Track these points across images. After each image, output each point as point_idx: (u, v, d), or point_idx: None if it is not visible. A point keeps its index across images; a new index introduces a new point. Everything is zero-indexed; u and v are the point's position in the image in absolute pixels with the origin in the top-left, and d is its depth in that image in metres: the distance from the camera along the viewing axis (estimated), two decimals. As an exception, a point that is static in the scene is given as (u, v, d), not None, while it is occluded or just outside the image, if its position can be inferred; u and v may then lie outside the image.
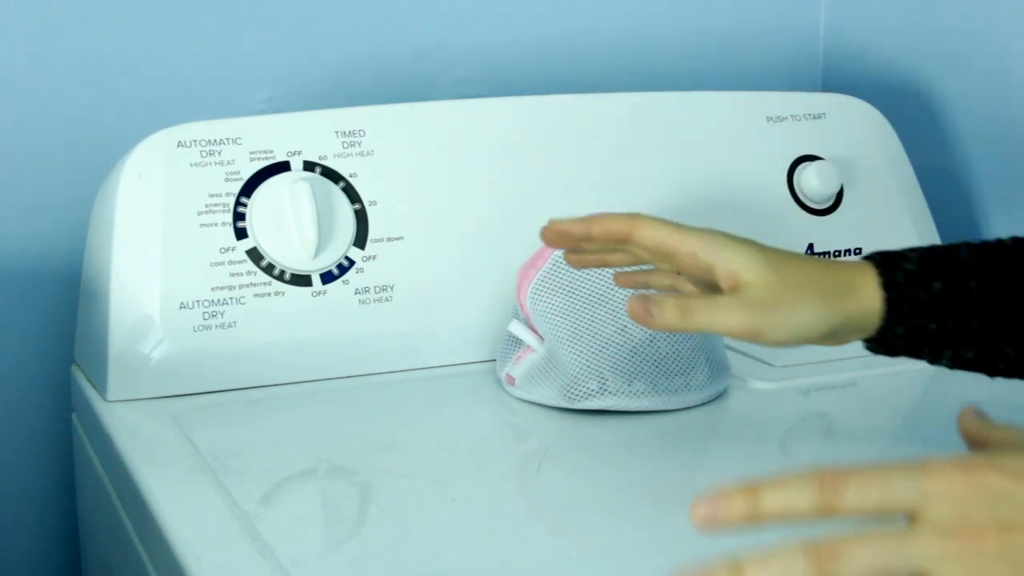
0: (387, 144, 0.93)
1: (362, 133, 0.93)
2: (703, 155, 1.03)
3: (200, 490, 0.70)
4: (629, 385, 0.80)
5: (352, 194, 0.91)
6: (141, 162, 0.88)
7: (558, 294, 0.83)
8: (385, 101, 0.98)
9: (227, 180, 0.89)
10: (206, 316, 0.86)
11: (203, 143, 0.89)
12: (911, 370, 0.90)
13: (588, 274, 0.83)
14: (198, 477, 0.71)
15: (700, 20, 1.25)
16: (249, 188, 0.89)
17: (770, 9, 1.28)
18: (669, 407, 0.81)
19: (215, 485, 0.70)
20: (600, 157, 0.99)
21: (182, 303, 0.86)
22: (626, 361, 0.81)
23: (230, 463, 0.73)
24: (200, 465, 0.73)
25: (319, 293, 0.89)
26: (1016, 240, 0.67)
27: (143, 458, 0.75)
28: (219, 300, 0.87)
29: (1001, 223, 1.11)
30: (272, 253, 0.88)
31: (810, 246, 1.04)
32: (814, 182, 1.03)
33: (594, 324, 0.82)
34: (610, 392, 0.80)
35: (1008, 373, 0.67)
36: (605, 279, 0.83)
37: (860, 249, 1.05)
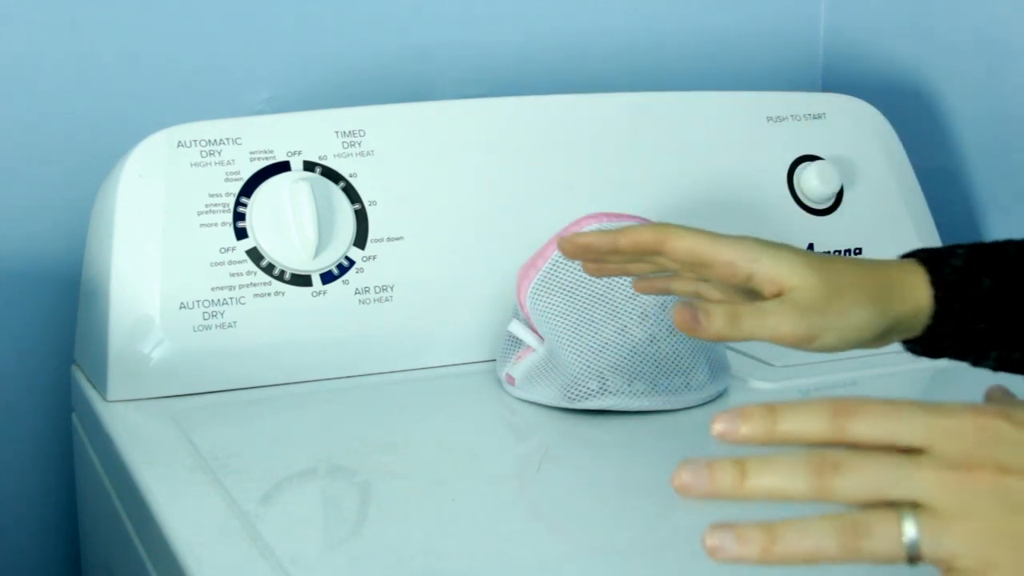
0: (387, 144, 0.93)
1: (362, 133, 0.93)
2: (703, 155, 1.03)
3: (200, 490, 0.70)
4: (629, 385, 0.80)
5: (352, 194, 0.91)
6: (141, 162, 0.88)
7: (558, 294, 0.83)
8: (385, 101, 0.98)
9: (227, 180, 0.89)
10: (206, 316, 0.86)
11: (203, 143, 0.89)
12: (911, 370, 0.90)
13: (588, 274, 0.83)
14: (198, 477, 0.71)
15: (700, 20, 1.25)
16: (249, 188, 0.89)
17: (770, 9, 1.28)
18: (669, 407, 0.81)
19: (215, 485, 0.70)
20: (600, 157, 0.99)
21: (182, 303, 0.86)
22: (626, 361, 0.81)
23: (230, 463, 0.73)
24: (200, 465, 0.73)
25: (319, 293, 0.89)
26: None
27: (143, 458, 0.75)
28: (219, 300, 0.87)
29: (1001, 223, 1.11)
30: (272, 253, 0.88)
31: (810, 246, 1.04)
32: (814, 182, 1.03)
33: (594, 324, 0.82)
34: (610, 392, 0.80)
35: None
36: (605, 279, 0.83)
37: (860, 249, 1.05)
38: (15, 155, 1.04)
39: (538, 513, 0.70)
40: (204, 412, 0.83)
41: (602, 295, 0.83)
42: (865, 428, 0.46)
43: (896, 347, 0.67)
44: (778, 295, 0.61)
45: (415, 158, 0.94)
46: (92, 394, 0.88)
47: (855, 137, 1.08)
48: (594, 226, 0.85)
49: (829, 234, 1.05)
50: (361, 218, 0.91)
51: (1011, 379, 0.64)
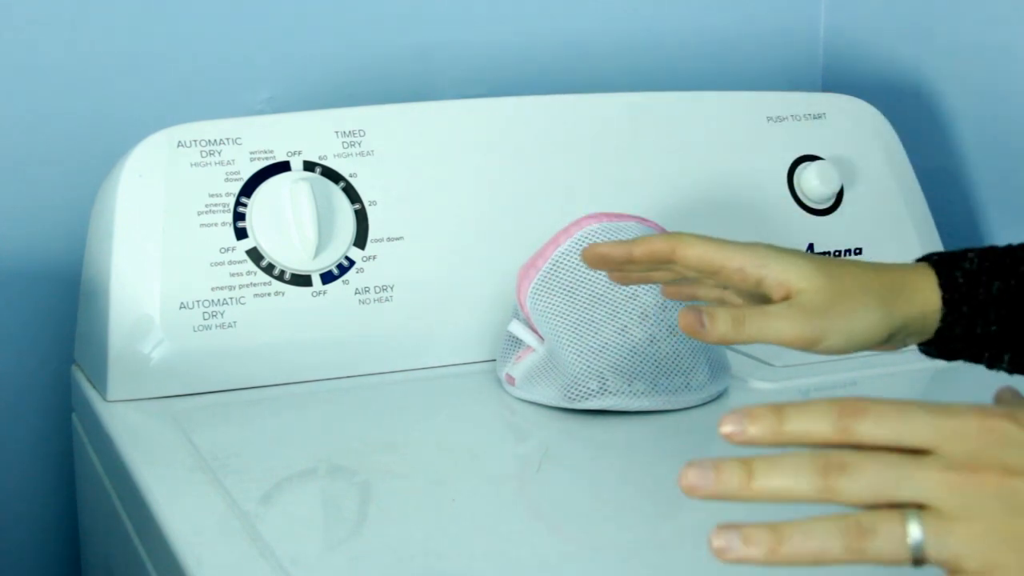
0: (387, 144, 0.93)
1: (362, 133, 0.93)
2: (703, 155, 1.03)
3: (200, 490, 0.70)
4: (629, 385, 0.80)
5: (352, 194, 0.91)
6: (141, 162, 0.88)
7: (558, 294, 0.83)
8: (385, 101, 0.98)
9: (227, 180, 0.89)
10: (206, 316, 0.86)
11: (203, 143, 0.89)
12: (911, 370, 0.90)
13: (588, 274, 0.83)
14: (198, 477, 0.71)
15: (700, 20, 1.25)
16: (249, 188, 0.89)
17: (770, 9, 1.28)
18: (669, 407, 0.81)
19: (215, 485, 0.70)
20: (600, 157, 0.99)
21: (182, 303, 0.86)
22: (626, 361, 0.81)
23: (230, 463, 0.73)
24: (200, 465, 0.73)
25: (319, 293, 0.89)
26: None
27: (143, 458, 0.75)
28: (219, 300, 0.87)
29: (1001, 224, 1.11)
30: (272, 253, 0.88)
31: (810, 246, 1.04)
32: (814, 182, 1.03)
33: (594, 324, 0.82)
34: (610, 392, 0.80)
35: None
36: (605, 279, 0.83)
37: (860, 249, 1.05)
38: (15, 155, 1.04)
39: (538, 513, 0.70)
40: (204, 412, 0.83)
41: (602, 295, 0.83)
42: (871, 429, 0.46)
43: (895, 347, 0.67)
44: (786, 299, 0.62)
45: (415, 158, 0.94)
46: (92, 394, 0.88)
47: (855, 137, 1.08)
48: (594, 226, 0.85)
49: (829, 234, 1.05)
50: (361, 218, 0.91)
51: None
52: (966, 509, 0.44)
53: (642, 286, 0.82)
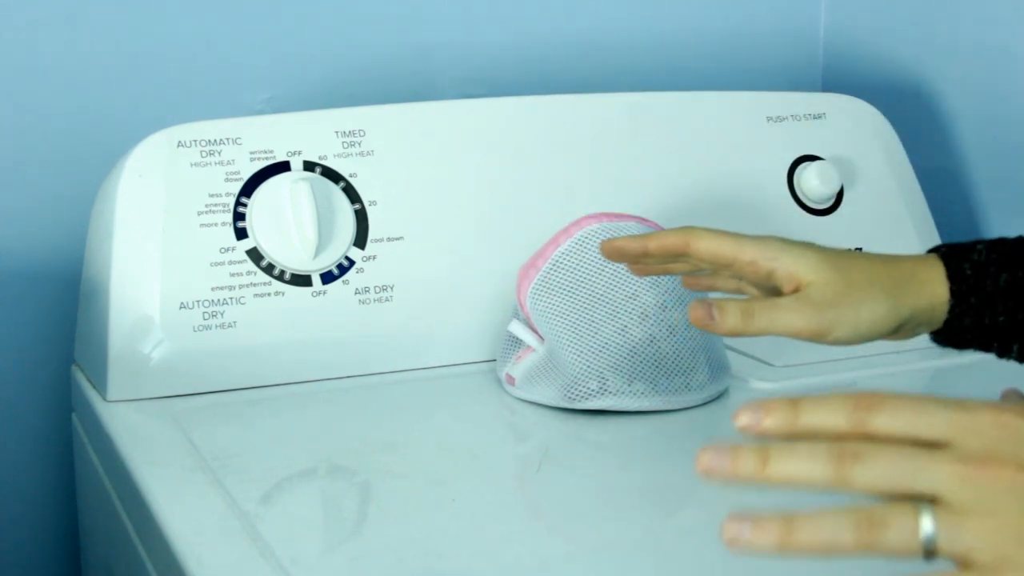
0: (387, 144, 0.93)
1: (362, 133, 0.93)
2: (703, 155, 1.03)
3: (200, 490, 0.70)
4: (629, 385, 0.80)
5: (352, 194, 0.91)
6: (141, 162, 0.88)
7: (558, 294, 0.83)
8: (385, 101, 0.98)
9: (227, 180, 0.89)
10: (206, 316, 0.86)
11: (203, 143, 0.89)
12: (911, 370, 0.90)
13: (588, 274, 0.83)
14: (198, 477, 0.71)
15: (700, 20, 1.25)
16: (249, 188, 0.89)
17: (770, 9, 1.28)
18: (669, 407, 0.81)
19: (215, 485, 0.70)
20: (600, 157, 0.99)
21: (182, 303, 0.86)
22: (626, 361, 0.81)
23: (230, 463, 0.73)
24: (200, 465, 0.73)
25: (319, 293, 0.89)
26: None
27: (143, 458, 0.75)
28: (219, 300, 0.87)
29: (1001, 223, 1.11)
30: (272, 253, 0.88)
31: (810, 246, 1.04)
32: (814, 182, 1.03)
33: (594, 324, 0.82)
34: (610, 392, 0.80)
35: None
36: (605, 279, 0.83)
37: (860, 249, 1.05)
38: (15, 155, 1.04)
39: (538, 513, 0.70)
40: (204, 412, 0.83)
41: (602, 295, 0.83)
42: (886, 422, 0.46)
43: (895, 346, 0.68)
44: (796, 291, 0.63)
45: (415, 158, 0.94)
46: (92, 394, 0.88)
47: (855, 137, 1.08)
48: (594, 226, 0.85)
49: (829, 234, 1.04)
50: (361, 218, 0.91)
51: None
52: (979, 503, 0.44)
53: (642, 286, 0.82)
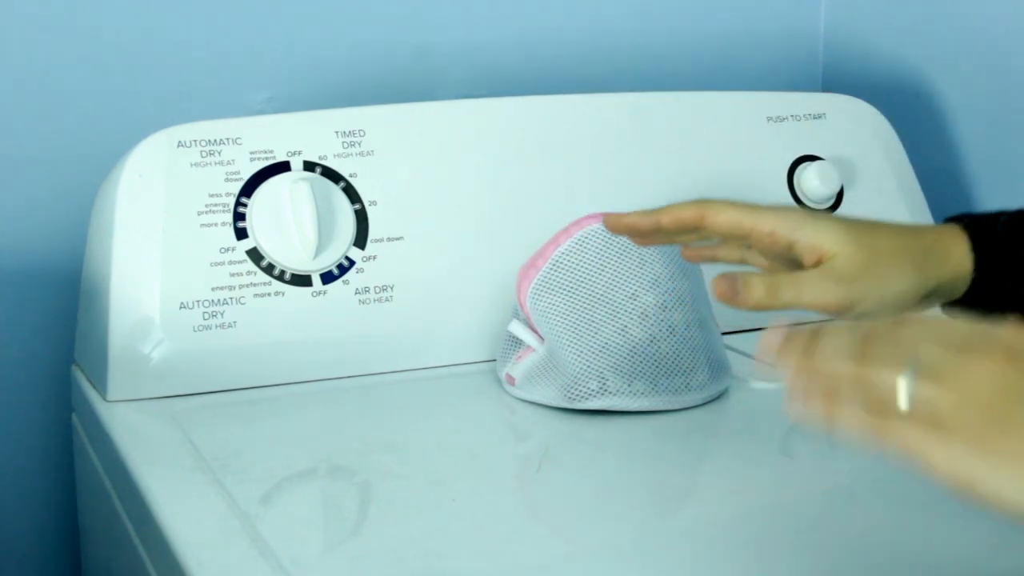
0: (387, 144, 0.93)
1: (362, 133, 0.93)
2: (703, 155, 1.03)
3: (200, 490, 0.70)
4: (629, 385, 0.80)
5: (352, 194, 0.91)
6: (141, 162, 0.88)
7: (558, 294, 0.83)
8: (385, 101, 0.98)
9: (227, 180, 0.89)
10: (206, 316, 0.86)
11: (203, 143, 0.89)
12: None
13: (588, 274, 0.83)
14: (198, 477, 0.71)
15: (700, 20, 1.25)
16: (249, 188, 0.89)
17: (770, 9, 1.28)
18: (669, 407, 0.81)
19: (215, 485, 0.70)
20: (600, 157, 0.99)
21: (182, 303, 0.86)
22: (626, 361, 0.81)
23: (230, 463, 0.73)
24: (200, 465, 0.73)
25: (319, 293, 0.89)
26: None
27: (143, 458, 0.75)
28: (219, 300, 0.87)
29: (1001, 223, 1.11)
30: (272, 253, 0.88)
31: (810, 246, 1.04)
32: (814, 182, 1.03)
33: (594, 324, 0.82)
34: (610, 392, 0.80)
35: None
36: (605, 279, 0.83)
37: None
38: (15, 155, 1.04)
39: (538, 513, 0.70)
40: (204, 412, 0.83)
41: (602, 295, 0.83)
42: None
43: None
44: (818, 263, 0.61)
45: (415, 158, 0.94)
46: (92, 394, 0.88)
47: (855, 137, 1.08)
48: (594, 226, 0.85)
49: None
50: (361, 218, 0.91)
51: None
52: (958, 378, 0.44)
53: (642, 286, 0.82)
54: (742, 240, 0.65)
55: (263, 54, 1.10)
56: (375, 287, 0.91)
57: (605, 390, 0.80)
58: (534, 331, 0.85)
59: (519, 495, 0.73)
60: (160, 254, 0.86)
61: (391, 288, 0.91)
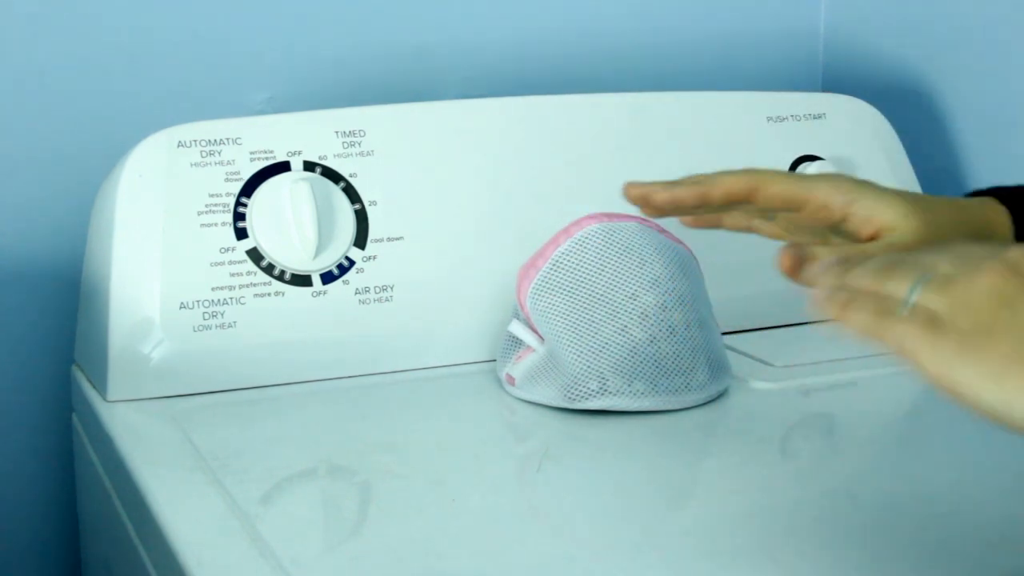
0: (387, 144, 0.93)
1: (362, 133, 0.93)
2: (703, 155, 1.03)
3: (200, 490, 0.70)
4: (629, 385, 0.80)
5: (352, 194, 0.91)
6: (141, 162, 0.88)
7: (558, 294, 0.83)
8: (385, 101, 0.98)
9: (227, 180, 0.89)
10: (206, 316, 0.86)
11: (203, 143, 0.89)
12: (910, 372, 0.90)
13: (588, 274, 0.83)
14: (198, 477, 0.71)
15: (700, 20, 1.25)
16: (249, 188, 0.89)
17: (770, 9, 1.28)
18: (669, 407, 0.81)
19: (215, 485, 0.70)
20: (600, 157, 0.99)
21: (182, 303, 0.86)
22: (626, 361, 0.81)
23: (230, 463, 0.73)
24: (200, 465, 0.73)
25: (319, 293, 0.89)
26: None
27: (143, 458, 0.75)
28: (219, 300, 0.87)
29: (1001, 223, 1.11)
30: (272, 253, 0.88)
31: (810, 246, 1.04)
32: (814, 182, 1.03)
33: (594, 324, 0.82)
34: (610, 392, 0.80)
35: None
36: (605, 279, 0.83)
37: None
38: (15, 155, 1.04)
39: (538, 513, 0.70)
40: (204, 412, 0.83)
41: (602, 295, 0.83)
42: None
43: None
44: (874, 237, 0.60)
45: (415, 158, 0.94)
46: (92, 394, 0.88)
47: (855, 137, 1.08)
48: (594, 226, 0.85)
49: (829, 234, 1.05)
50: (361, 218, 0.91)
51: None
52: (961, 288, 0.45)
53: (642, 286, 0.82)
54: (795, 211, 0.62)
55: (263, 54, 1.10)
56: (375, 287, 0.91)
57: (605, 390, 0.80)
58: (534, 331, 0.85)
59: (519, 495, 0.73)
60: (160, 254, 0.86)
61: (391, 288, 0.91)
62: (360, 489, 0.74)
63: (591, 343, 0.81)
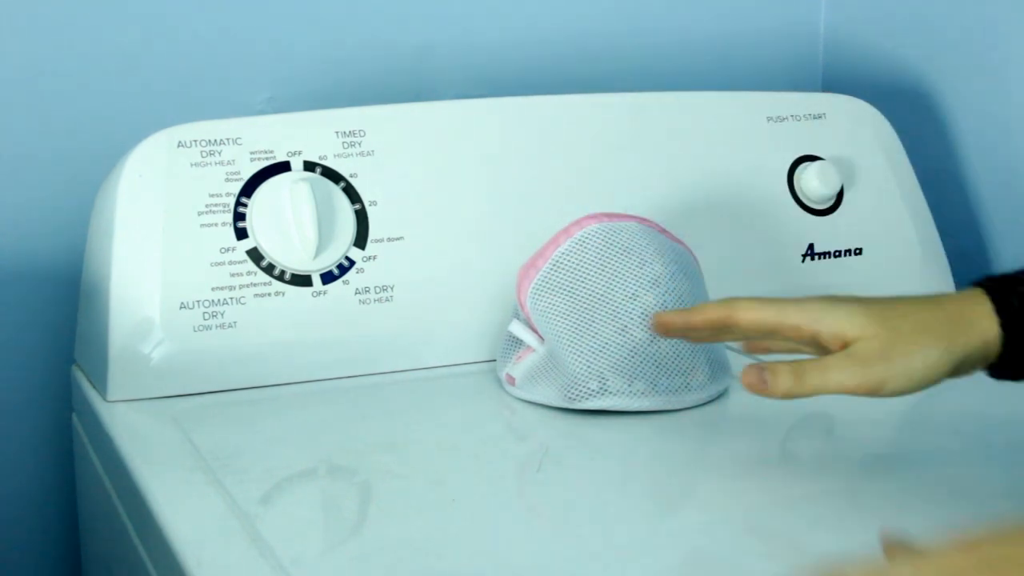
0: (387, 144, 0.93)
1: (362, 133, 0.93)
2: (703, 155, 1.03)
3: (200, 490, 0.70)
4: (629, 385, 0.80)
5: (352, 194, 0.91)
6: (141, 162, 0.88)
7: (558, 294, 0.83)
8: (385, 101, 0.98)
9: (227, 180, 0.89)
10: (206, 316, 0.86)
11: (203, 143, 0.89)
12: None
13: (588, 274, 0.83)
14: (198, 477, 0.71)
15: (700, 20, 1.25)
16: (249, 188, 0.89)
17: (770, 9, 1.28)
18: (669, 407, 0.81)
19: (215, 485, 0.70)
20: (600, 157, 0.99)
21: (182, 303, 0.86)
22: (626, 361, 0.81)
23: (230, 463, 0.73)
24: (200, 465, 0.73)
25: (319, 293, 0.89)
26: None
27: (143, 458, 0.75)
28: (219, 300, 0.87)
29: (1001, 224, 1.11)
30: (272, 253, 0.88)
31: (810, 246, 1.04)
32: (814, 182, 1.03)
33: (594, 324, 0.82)
34: (610, 392, 0.80)
35: None
36: (605, 279, 0.83)
37: (860, 249, 1.05)
38: (15, 155, 1.04)
39: (538, 513, 0.70)
40: (204, 412, 0.83)
41: (602, 295, 0.83)
42: None
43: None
44: (844, 348, 0.63)
45: (415, 158, 0.94)
46: (92, 394, 0.88)
47: (855, 137, 1.08)
48: (594, 226, 0.85)
49: (829, 234, 1.05)
50: (361, 218, 0.91)
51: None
52: None
53: (642, 286, 0.82)
54: (770, 335, 0.68)
55: (263, 54, 1.10)
56: (375, 287, 0.91)
57: (605, 390, 0.80)
58: (534, 331, 0.85)
59: (519, 495, 0.73)
60: (160, 254, 0.86)
61: (391, 288, 0.91)
62: (360, 489, 0.74)
63: (591, 343, 0.81)
